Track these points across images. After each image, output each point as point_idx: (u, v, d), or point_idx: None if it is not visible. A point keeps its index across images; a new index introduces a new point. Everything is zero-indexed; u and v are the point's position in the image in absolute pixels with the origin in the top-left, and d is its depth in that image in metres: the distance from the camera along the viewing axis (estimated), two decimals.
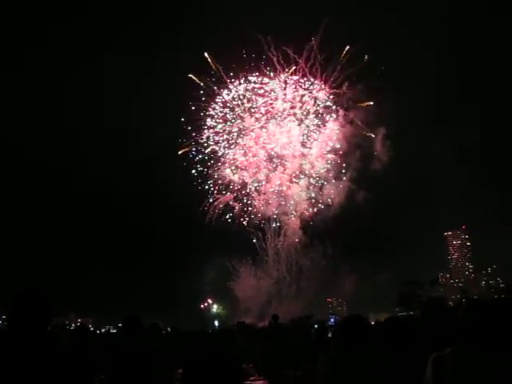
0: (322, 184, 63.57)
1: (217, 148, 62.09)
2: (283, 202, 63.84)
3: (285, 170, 63.44)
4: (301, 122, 62.68)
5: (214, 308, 70.19)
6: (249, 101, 61.84)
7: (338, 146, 62.45)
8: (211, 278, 66.68)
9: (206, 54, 59.38)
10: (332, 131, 62.34)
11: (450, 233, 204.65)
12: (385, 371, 4.03)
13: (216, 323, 59.02)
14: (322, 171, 63.48)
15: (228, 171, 62.65)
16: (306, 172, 63.89)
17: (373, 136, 61.53)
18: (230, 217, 63.44)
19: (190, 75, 59.90)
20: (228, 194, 63.18)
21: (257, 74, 60.38)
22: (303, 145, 63.64)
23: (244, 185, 63.62)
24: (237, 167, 62.72)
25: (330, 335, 8.81)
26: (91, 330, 13.23)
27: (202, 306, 69.24)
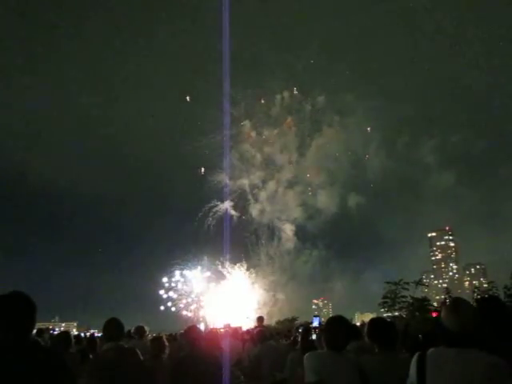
0: (316, 189, 64.23)
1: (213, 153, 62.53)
2: (278, 208, 64.38)
3: (280, 176, 64.03)
4: (296, 128, 63.33)
5: (201, 311, 69.86)
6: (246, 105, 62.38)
7: (332, 152, 63.30)
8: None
9: None
10: (327, 138, 63.11)
11: (434, 234, 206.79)
12: (368, 371, 4.06)
13: (202, 326, 58.71)
14: (315, 177, 64.16)
15: (224, 175, 63.02)
16: (301, 178, 64.56)
17: (367, 157, 62.55)
18: (226, 222, 63.85)
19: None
20: (227, 201, 63.65)
21: None
22: (299, 151, 64.32)
23: (242, 190, 64.12)
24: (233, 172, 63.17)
25: (314, 337, 8.85)
26: (76, 335, 13.10)
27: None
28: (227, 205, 63.72)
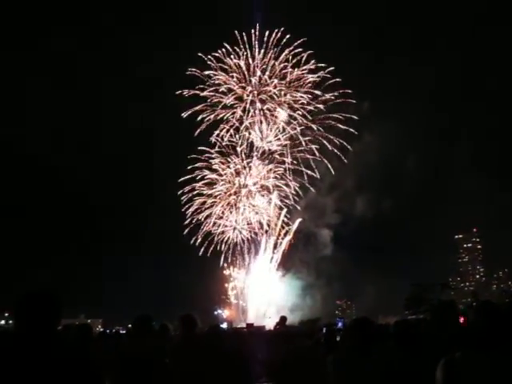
0: (351, 195, 64.15)
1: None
2: (316, 213, 64.67)
3: (318, 181, 64.31)
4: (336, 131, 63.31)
5: (224, 311, 70.26)
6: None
7: (369, 158, 63.08)
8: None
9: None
10: (365, 144, 62.91)
11: (461, 236, 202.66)
12: (393, 374, 4.01)
13: (225, 325, 58.98)
14: (352, 182, 64.09)
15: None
16: (338, 183, 64.57)
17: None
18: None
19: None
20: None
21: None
22: (337, 156, 64.40)
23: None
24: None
25: (338, 338, 8.78)
26: (102, 331, 13.28)
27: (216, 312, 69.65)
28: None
